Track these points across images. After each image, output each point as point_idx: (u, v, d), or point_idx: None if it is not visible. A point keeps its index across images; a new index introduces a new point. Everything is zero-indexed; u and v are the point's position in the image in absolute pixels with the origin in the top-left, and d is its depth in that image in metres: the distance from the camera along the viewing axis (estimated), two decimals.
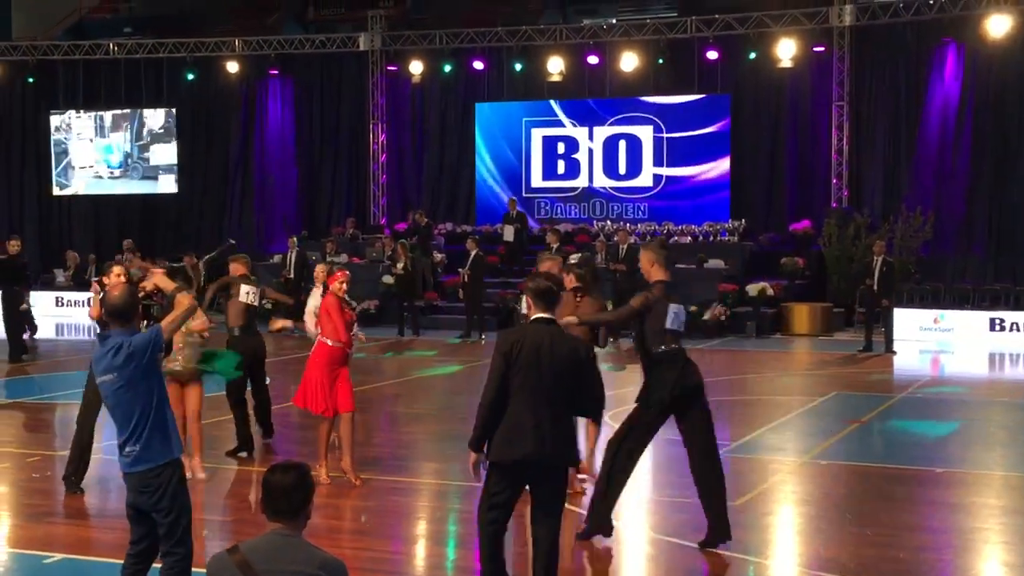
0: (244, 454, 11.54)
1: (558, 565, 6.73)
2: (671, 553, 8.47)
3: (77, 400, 10.41)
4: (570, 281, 9.77)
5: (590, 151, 28.41)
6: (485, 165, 29.30)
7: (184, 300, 6.43)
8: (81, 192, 31.73)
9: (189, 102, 31.29)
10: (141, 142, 31.23)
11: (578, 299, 9.87)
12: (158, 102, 31.09)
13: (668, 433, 11.30)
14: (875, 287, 20.65)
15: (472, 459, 6.65)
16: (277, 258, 27.36)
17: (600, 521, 8.44)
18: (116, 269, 9.89)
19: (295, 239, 26.27)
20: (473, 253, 23.38)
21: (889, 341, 20.78)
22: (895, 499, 9.94)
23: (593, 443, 10.17)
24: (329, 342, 10.19)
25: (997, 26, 23.83)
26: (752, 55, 26.61)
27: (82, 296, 27.45)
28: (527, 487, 6.72)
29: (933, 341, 22.22)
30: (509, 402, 6.49)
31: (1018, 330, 22.08)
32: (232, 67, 30.18)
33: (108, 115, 31.28)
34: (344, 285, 10.33)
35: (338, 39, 30.25)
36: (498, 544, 6.67)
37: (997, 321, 22.31)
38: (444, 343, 22.49)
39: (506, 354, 6.51)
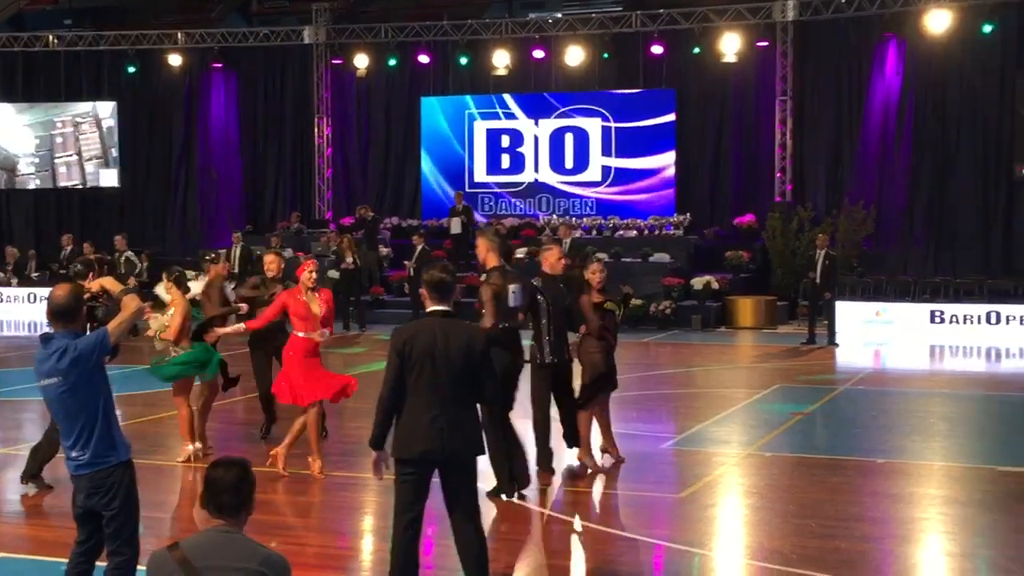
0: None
1: (488, 558, 6.65)
2: (617, 546, 8.49)
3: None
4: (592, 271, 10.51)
5: (536, 139, 28.35)
6: (431, 159, 29.21)
7: (131, 303, 6.25)
8: (18, 187, 31.22)
9: (131, 95, 30.91)
10: (44, 132, 30.73)
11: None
12: (99, 95, 30.71)
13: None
14: (818, 280, 20.88)
15: (374, 457, 6.57)
16: (221, 253, 27.05)
17: (513, 476, 9.26)
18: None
19: (239, 234, 26.06)
20: (419, 247, 23.33)
21: (832, 333, 20.99)
22: (837, 490, 10.03)
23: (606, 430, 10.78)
24: (301, 334, 10.36)
25: (936, 21, 24.13)
26: (696, 50, 26.72)
27: (23, 292, 27.13)
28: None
29: (875, 333, 22.47)
30: (407, 398, 6.40)
31: (957, 322, 22.40)
32: (175, 60, 29.87)
33: (45, 108, 30.82)
34: (313, 274, 10.50)
35: (282, 32, 30.05)
36: (412, 556, 6.48)
37: (937, 313, 22.61)
38: (386, 339, 22.36)
39: (400, 351, 6.40)
